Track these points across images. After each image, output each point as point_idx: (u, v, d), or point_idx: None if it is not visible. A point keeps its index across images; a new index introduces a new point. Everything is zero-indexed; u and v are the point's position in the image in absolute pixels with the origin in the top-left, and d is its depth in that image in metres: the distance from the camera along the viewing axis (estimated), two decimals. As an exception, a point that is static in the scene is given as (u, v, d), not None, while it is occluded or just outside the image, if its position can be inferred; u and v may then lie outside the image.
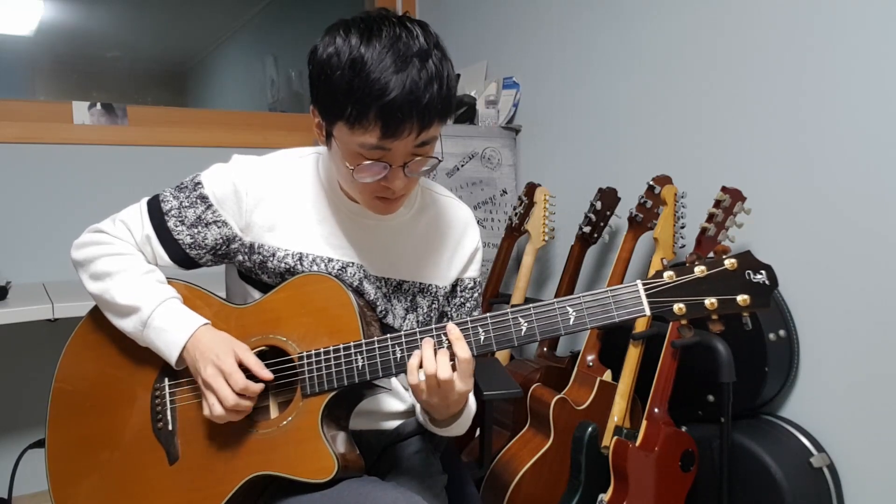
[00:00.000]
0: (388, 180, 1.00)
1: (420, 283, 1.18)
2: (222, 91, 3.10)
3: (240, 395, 1.00)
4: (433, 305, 1.20)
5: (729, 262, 0.91)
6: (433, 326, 0.99)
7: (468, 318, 0.98)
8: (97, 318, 1.15)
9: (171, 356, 1.05)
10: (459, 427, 1.12)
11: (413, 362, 0.96)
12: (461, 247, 1.21)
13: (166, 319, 1.05)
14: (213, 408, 1.00)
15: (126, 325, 1.08)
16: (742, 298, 0.90)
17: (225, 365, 1.01)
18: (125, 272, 1.09)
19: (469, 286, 1.23)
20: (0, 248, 2.25)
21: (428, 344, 0.96)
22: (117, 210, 1.17)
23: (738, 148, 1.74)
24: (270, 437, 1.04)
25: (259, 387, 1.02)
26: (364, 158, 0.98)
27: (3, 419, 2.32)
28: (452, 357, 0.96)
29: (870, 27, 1.46)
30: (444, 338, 0.98)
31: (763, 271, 0.90)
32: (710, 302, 0.90)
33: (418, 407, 1.14)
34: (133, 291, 1.07)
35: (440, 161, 1.03)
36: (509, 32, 2.52)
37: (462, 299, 1.23)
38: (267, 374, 1.03)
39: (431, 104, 0.94)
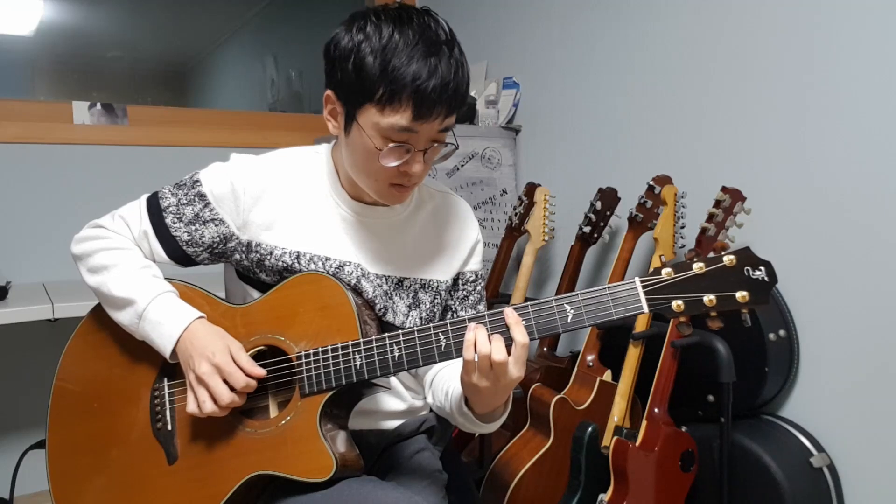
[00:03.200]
0: (408, 164, 1.02)
1: (421, 279, 1.18)
2: (222, 91, 3.11)
3: (234, 392, 1.00)
4: (436, 301, 1.20)
5: (728, 259, 0.90)
6: (431, 325, 0.99)
7: (466, 317, 0.97)
8: (98, 318, 1.15)
9: (166, 349, 1.05)
10: (496, 423, 1.08)
11: (469, 336, 0.93)
12: (461, 240, 1.22)
13: (161, 312, 1.05)
14: (204, 405, 1.00)
15: (122, 317, 1.08)
16: (741, 295, 0.89)
17: (222, 362, 1.00)
18: (122, 266, 1.09)
19: (471, 279, 1.24)
20: (0, 248, 2.25)
21: (480, 328, 0.94)
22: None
23: (738, 148, 1.74)
24: (269, 436, 1.04)
25: (255, 383, 1.02)
26: (390, 141, 1.00)
27: (4, 419, 2.32)
28: (509, 341, 0.93)
29: (870, 27, 1.46)
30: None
31: (762, 268, 0.90)
32: (708, 299, 0.90)
33: (455, 406, 1.08)
34: (129, 284, 1.07)
35: (457, 148, 1.06)
36: (509, 32, 2.52)
37: (465, 292, 1.23)
38: (259, 372, 1.03)
39: (459, 90, 0.99)
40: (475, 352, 0.93)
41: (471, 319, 0.96)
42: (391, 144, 1.00)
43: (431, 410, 1.27)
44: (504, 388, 0.96)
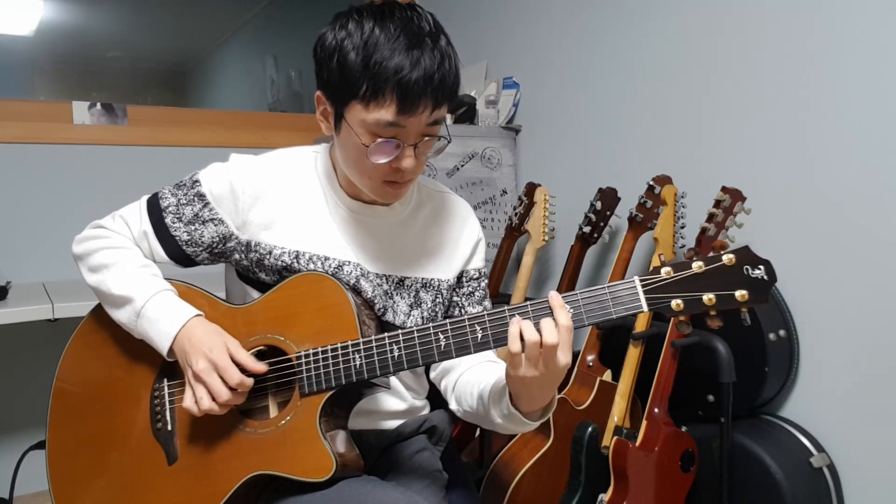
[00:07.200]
0: (398, 160, 1.02)
1: (423, 279, 1.18)
2: (222, 91, 3.11)
3: (232, 390, 1.00)
4: (437, 300, 1.20)
5: (727, 258, 0.90)
6: (430, 325, 0.99)
7: (466, 317, 0.97)
8: (98, 318, 1.15)
9: (163, 346, 1.05)
10: (543, 420, 1.04)
11: (513, 330, 0.91)
12: (462, 239, 1.22)
13: (159, 310, 1.05)
14: (202, 401, 1.00)
15: (121, 316, 1.08)
16: (740, 294, 0.89)
17: (219, 359, 1.00)
18: (121, 264, 1.09)
19: (475, 276, 1.24)
20: (0, 248, 2.25)
21: (524, 321, 0.92)
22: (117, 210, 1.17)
23: (738, 148, 1.74)
24: (269, 436, 1.04)
25: (252, 382, 1.02)
26: (378, 137, 0.99)
27: (4, 419, 2.32)
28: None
29: (870, 27, 1.46)
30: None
31: (761, 266, 0.90)
32: (708, 297, 0.90)
33: (495, 407, 1.05)
34: (127, 282, 1.07)
35: (449, 142, 1.06)
36: (509, 32, 2.52)
37: (470, 288, 1.24)
38: (260, 367, 1.03)
39: (444, 82, 0.98)
40: (522, 343, 0.91)
41: (510, 310, 0.94)
42: (379, 140, 0.99)
43: (432, 410, 1.27)
44: (553, 378, 0.94)
